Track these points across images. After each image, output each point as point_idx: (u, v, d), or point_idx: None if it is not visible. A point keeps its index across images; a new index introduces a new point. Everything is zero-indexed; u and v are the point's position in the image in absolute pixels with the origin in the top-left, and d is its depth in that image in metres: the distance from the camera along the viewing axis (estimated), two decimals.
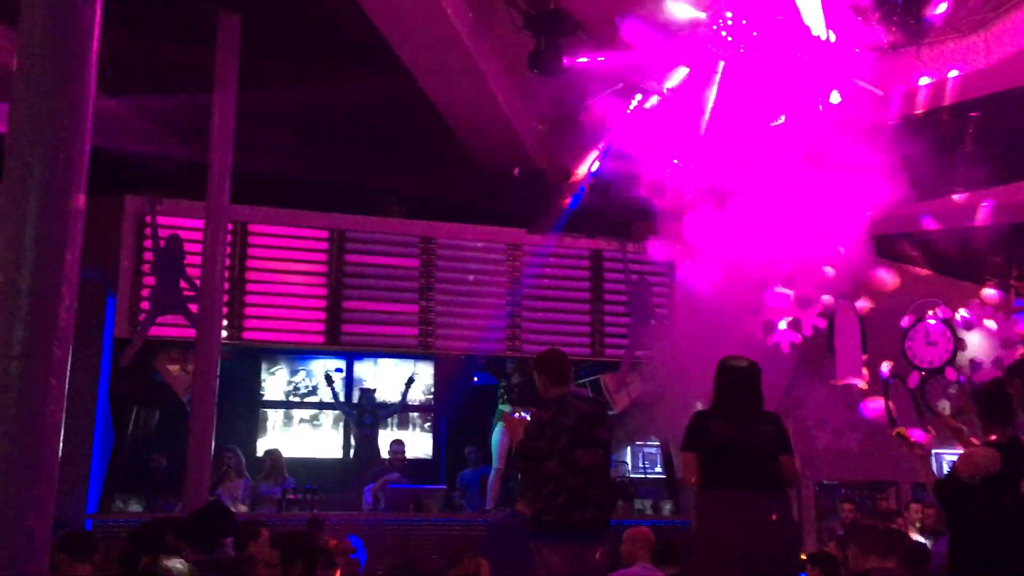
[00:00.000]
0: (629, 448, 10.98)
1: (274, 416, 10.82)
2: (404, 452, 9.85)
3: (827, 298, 10.13)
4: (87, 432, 9.61)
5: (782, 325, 9.84)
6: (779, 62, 7.80)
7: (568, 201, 9.49)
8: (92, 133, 3.38)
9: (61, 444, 3.40)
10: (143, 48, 8.10)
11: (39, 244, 3.28)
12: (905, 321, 10.22)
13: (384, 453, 9.88)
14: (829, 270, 10.12)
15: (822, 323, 10.16)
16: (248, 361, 10.50)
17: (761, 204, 8.83)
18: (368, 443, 9.94)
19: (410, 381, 10.07)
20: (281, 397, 10.82)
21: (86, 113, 3.43)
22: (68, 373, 3.32)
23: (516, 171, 9.62)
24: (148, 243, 9.19)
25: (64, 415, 3.40)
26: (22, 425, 3.20)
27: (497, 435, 9.45)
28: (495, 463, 9.46)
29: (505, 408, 9.48)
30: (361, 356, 10.52)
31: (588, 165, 9.18)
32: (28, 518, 3.18)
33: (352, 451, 10.22)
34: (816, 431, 11.04)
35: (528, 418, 5.10)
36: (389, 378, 10.63)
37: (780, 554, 4.64)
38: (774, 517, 4.61)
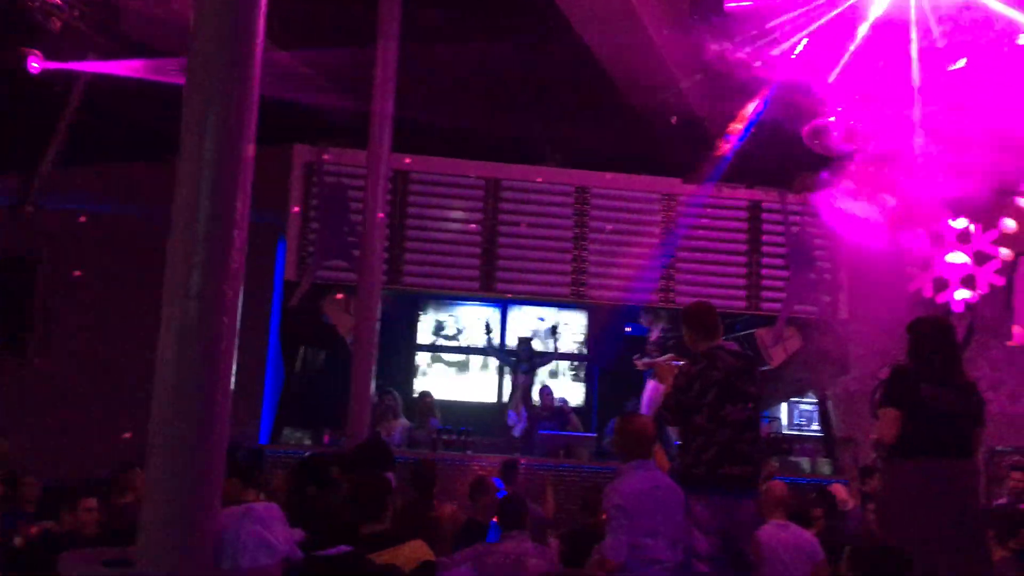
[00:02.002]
0: (785, 405, 10.78)
1: (423, 359, 11.21)
2: (552, 396, 10.03)
3: (1005, 253, 9.56)
4: (259, 368, 10.23)
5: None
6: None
7: (726, 150, 9.25)
8: (264, 85, 3.59)
9: (235, 378, 3.66)
10: (312, 2, 8.36)
11: (213, 193, 3.50)
12: None
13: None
14: (1010, 223, 9.54)
15: (1000, 280, 9.61)
16: (406, 305, 10.87)
17: (932, 153, 8.37)
18: (525, 391, 10.16)
19: (554, 330, 10.16)
20: (431, 341, 11.17)
21: (255, 67, 3.62)
22: (240, 312, 3.55)
23: (674, 120, 9.42)
24: (315, 190, 9.58)
25: (237, 351, 3.65)
26: (201, 360, 3.45)
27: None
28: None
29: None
30: (515, 304, 10.70)
31: (748, 113, 8.90)
32: (207, 445, 3.45)
33: (509, 396, 10.48)
34: (990, 394, 10.46)
35: (678, 367, 5.10)
36: (541, 325, 10.82)
37: (975, 524, 4.59)
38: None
